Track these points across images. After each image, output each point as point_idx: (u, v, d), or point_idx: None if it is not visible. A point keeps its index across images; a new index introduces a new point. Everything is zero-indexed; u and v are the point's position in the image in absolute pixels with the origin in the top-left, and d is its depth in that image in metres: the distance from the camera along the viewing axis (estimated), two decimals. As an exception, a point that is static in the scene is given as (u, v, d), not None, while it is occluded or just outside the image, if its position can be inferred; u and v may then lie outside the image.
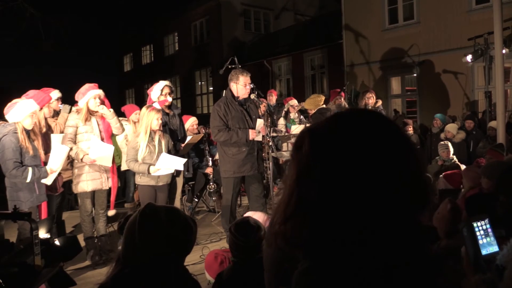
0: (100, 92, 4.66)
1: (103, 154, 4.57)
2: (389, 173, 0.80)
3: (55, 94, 5.26)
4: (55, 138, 4.38)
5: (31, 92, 4.35)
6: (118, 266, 1.58)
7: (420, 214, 0.84)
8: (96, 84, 4.71)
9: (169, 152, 4.75)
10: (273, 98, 8.88)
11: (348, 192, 0.79)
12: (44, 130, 4.46)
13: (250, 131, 4.75)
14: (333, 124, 0.88)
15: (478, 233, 1.80)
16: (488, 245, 1.77)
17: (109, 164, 4.66)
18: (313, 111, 6.78)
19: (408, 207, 0.81)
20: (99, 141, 4.58)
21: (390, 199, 0.79)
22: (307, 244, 0.83)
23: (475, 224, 1.81)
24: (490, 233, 1.81)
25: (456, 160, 6.26)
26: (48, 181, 4.20)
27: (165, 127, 5.06)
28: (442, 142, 6.59)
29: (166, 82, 5.27)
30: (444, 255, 2.37)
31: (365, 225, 0.78)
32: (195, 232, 1.67)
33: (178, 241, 1.59)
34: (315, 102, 6.69)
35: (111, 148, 4.65)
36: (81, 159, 4.53)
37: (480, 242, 1.79)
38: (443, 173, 5.45)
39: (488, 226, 1.82)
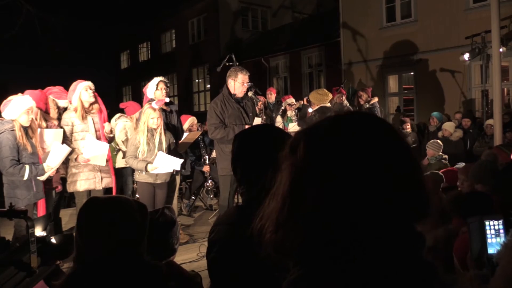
0: (89, 83, 4.65)
1: (98, 153, 4.55)
2: (390, 181, 0.77)
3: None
4: (49, 134, 4.35)
5: (29, 92, 4.33)
6: (74, 266, 1.55)
7: (419, 221, 0.80)
8: (82, 80, 4.71)
9: (169, 150, 4.75)
10: (272, 96, 8.87)
11: (346, 200, 0.75)
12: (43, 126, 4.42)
13: (247, 127, 4.74)
14: (331, 127, 0.83)
15: (488, 232, 1.80)
16: (497, 245, 1.76)
17: (103, 163, 4.64)
18: (315, 107, 6.72)
19: (407, 215, 0.78)
20: (93, 139, 4.57)
21: (390, 206, 0.76)
22: (300, 252, 0.79)
23: (486, 222, 1.81)
24: (502, 234, 1.81)
25: (445, 160, 6.18)
26: (42, 177, 4.18)
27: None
28: (431, 141, 6.52)
29: (161, 78, 5.25)
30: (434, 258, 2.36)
31: (362, 233, 0.75)
32: (141, 222, 1.60)
33: (121, 233, 1.53)
34: (321, 99, 6.58)
35: (105, 146, 4.64)
36: (76, 159, 4.52)
37: (489, 240, 1.79)
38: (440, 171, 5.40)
39: (501, 227, 1.82)
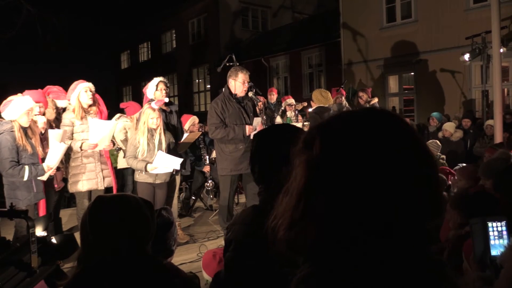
0: (90, 84, 4.65)
1: (104, 134, 4.56)
2: (407, 178, 0.76)
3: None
4: (53, 134, 4.35)
5: (29, 92, 4.32)
6: (79, 266, 1.54)
7: (431, 220, 0.80)
8: (84, 80, 4.72)
9: (169, 150, 4.75)
10: (273, 97, 8.87)
11: (362, 198, 0.74)
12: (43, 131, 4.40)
13: (247, 126, 4.75)
14: (348, 124, 0.81)
15: (491, 233, 1.79)
16: (500, 247, 1.75)
17: (107, 142, 4.65)
18: (314, 106, 6.69)
19: (420, 213, 0.77)
20: (97, 120, 4.58)
21: (405, 204, 0.75)
22: (312, 249, 0.79)
23: (489, 224, 1.80)
24: (505, 236, 1.79)
25: (443, 160, 6.19)
26: (43, 177, 4.18)
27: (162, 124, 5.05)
28: (430, 141, 6.53)
29: (161, 78, 5.25)
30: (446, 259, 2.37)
31: (375, 231, 0.75)
32: (150, 218, 1.60)
33: (132, 230, 1.53)
34: (322, 101, 6.53)
35: (110, 124, 4.66)
36: (81, 148, 4.52)
37: (492, 242, 1.78)
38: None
39: (504, 228, 1.80)
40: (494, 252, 1.77)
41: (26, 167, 3.92)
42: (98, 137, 4.52)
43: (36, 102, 4.22)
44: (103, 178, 4.68)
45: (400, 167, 0.76)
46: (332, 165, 0.77)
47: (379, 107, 8.44)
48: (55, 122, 4.71)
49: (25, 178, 3.93)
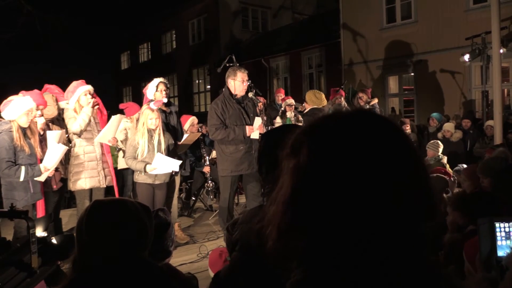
0: (90, 87, 4.65)
1: (110, 130, 4.73)
2: (400, 182, 0.74)
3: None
4: (51, 135, 4.35)
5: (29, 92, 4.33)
6: (75, 270, 1.52)
7: (426, 223, 0.77)
8: (83, 80, 4.71)
9: (168, 150, 4.75)
10: (280, 97, 8.90)
11: (355, 203, 0.72)
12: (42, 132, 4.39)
13: (247, 127, 4.76)
14: (336, 128, 0.78)
15: (498, 234, 1.78)
16: (507, 248, 1.73)
17: (112, 135, 4.79)
18: (308, 107, 6.68)
19: (414, 216, 0.75)
20: (115, 118, 4.84)
21: (398, 209, 0.73)
22: (303, 256, 0.77)
23: (497, 224, 1.79)
24: None
25: (444, 160, 6.18)
26: (41, 178, 4.17)
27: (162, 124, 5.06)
28: (432, 141, 6.52)
29: (161, 79, 5.26)
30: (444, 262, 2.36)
31: (369, 237, 0.72)
32: (148, 223, 1.59)
33: (129, 234, 1.52)
34: (316, 102, 6.50)
35: (117, 117, 4.83)
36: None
37: (499, 243, 1.77)
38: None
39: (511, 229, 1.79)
40: (501, 253, 1.75)
41: (23, 168, 3.92)
42: (101, 133, 4.66)
43: (37, 104, 4.22)
44: (105, 176, 4.71)
45: (392, 170, 0.74)
46: (322, 171, 0.74)
47: (378, 108, 8.44)
48: (56, 123, 4.71)
49: (21, 179, 3.93)
